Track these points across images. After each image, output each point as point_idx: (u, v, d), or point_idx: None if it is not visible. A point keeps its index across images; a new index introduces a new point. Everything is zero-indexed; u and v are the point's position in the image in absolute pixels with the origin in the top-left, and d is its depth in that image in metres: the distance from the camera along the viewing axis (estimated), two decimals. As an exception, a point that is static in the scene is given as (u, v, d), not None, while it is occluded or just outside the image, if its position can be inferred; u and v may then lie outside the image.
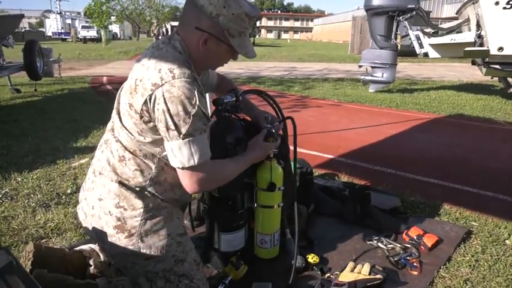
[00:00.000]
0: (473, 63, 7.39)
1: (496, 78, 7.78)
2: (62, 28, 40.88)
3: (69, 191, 2.52)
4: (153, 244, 1.27)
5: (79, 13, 48.72)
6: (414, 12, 6.44)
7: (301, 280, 1.66)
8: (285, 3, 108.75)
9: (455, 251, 1.94)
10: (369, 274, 1.63)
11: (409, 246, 1.92)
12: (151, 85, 1.14)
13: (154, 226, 1.28)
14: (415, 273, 1.74)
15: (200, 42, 1.21)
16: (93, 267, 1.39)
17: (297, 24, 78.18)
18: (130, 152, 1.26)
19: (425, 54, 6.91)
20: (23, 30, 35.32)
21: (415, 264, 1.77)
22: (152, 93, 1.13)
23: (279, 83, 8.48)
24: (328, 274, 1.70)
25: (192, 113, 1.13)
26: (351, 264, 1.72)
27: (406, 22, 6.62)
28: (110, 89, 7.25)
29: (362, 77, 7.50)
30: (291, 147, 1.75)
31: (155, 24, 21.41)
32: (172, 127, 1.13)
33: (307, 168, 2.40)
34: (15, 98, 5.99)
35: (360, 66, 7.46)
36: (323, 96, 6.92)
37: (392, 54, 6.92)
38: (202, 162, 1.18)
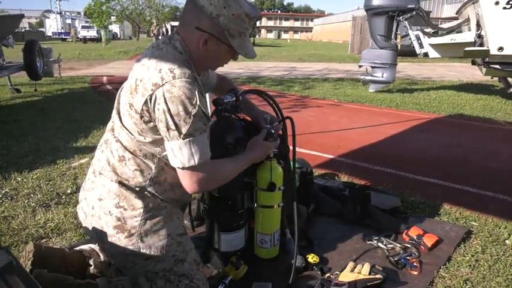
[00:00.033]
0: (473, 63, 7.39)
1: (496, 78, 7.78)
2: (62, 28, 40.89)
3: (69, 191, 2.52)
4: (153, 244, 1.27)
5: (79, 13, 48.74)
6: (414, 12, 6.44)
7: (301, 280, 1.66)
8: (285, 3, 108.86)
9: (455, 251, 1.94)
10: (369, 274, 1.63)
11: (409, 246, 1.92)
12: (151, 85, 1.14)
13: (154, 226, 1.28)
14: (415, 273, 1.74)
15: (200, 42, 1.21)
16: (93, 267, 1.39)
17: (297, 24, 78.17)
18: (130, 152, 1.26)
19: (425, 54, 6.91)
20: (23, 30, 35.32)
21: (415, 264, 1.77)
22: (153, 93, 1.13)
23: (279, 83, 8.48)
24: (328, 274, 1.70)
25: (192, 113, 1.13)
26: (351, 264, 1.72)
27: (406, 22, 6.62)
28: (110, 89, 7.25)
29: (362, 77, 7.50)
30: (291, 147, 1.75)
31: (155, 24, 21.39)
32: (173, 127, 1.13)
33: (307, 168, 2.40)
34: (15, 98, 5.99)
35: (360, 66, 7.46)
36: (323, 96, 6.92)
37: (392, 54, 6.92)
38: (203, 162, 1.18)
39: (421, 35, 6.77)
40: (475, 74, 9.70)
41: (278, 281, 1.64)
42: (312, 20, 72.31)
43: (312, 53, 20.55)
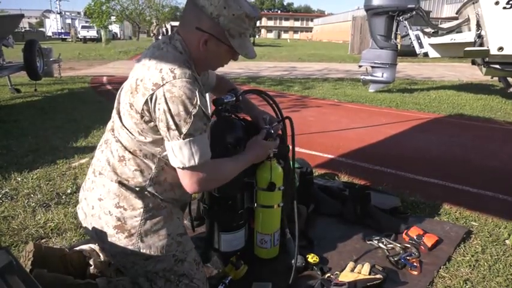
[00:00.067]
0: (473, 63, 7.39)
1: (495, 78, 7.77)
2: (62, 28, 40.88)
3: (69, 191, 2.52)
4: (153, 244, 1.27)
5: (79, 13, 48.73)
6: (414, 12, 6.44)
7: (301, 280, 1.66)
8: (285, 3, 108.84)
9: (455, 251, 1.94)
10: (369, 274, 1.63)
11: (409, 246, 1.92)
12: (152, 85, 1.14)
13: (154, 226, 1.28)
14: (415, 273, 1.74)
15: (200, 42, 1.21)
16: (93, 267, 1.40)
17: (297, 24, 78.19)
18: (130, 152, 1.26)
19: (425, 54, 6.91)
20: (23, 30, 35.28)
21: (415, 264, 1.77)
22: (153, 93, 1.14)
23: (278, 83, 8.48)
24: (328, 274, 1.70)
25: (193, 113, 1.13)
26: (350, 264, 1.72)
27: (406, 22, 6.62)
28: (110, 88, 7.25)
29: (362, 77, 7.50)
30: (291, 147, 1.75)
31: (155, 24, 21.41)
32: (173, 127, 1.13)
33: (307, 168, 2.40)
34: (15, 98, 5.99)
35: (360, 66, 7.46)
36: (323, 96, 6.92)
37: (392, 54, 6.92)
38: (203, 162, 1.18)
39: (421, 35, 6.77)
40: (475, 74, 9.70)
41: (278, 281, 1.64)
42: (312, 20, 72.32)
43: (312, 53, 20.55)
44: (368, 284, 1.56)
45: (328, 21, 52.70)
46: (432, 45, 6.78)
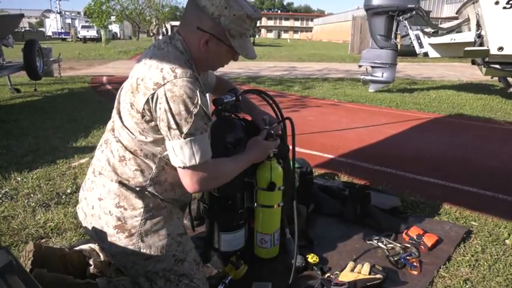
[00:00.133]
0: (473, 62, 7.39)
1: (495, 78, 7.77)
2: (62, 28, 40.90)
3: (69, 191, 2.52)
4: (153, 244, 1.27)
5: (79, 13, 48.77)
6: (414, 12, 6.43)
7: (301, 280, 1.66)
8: (284, 3, 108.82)
9: (455, 251, 1.94)
10: (369, 274, 1.63)
11: (409, 246, 1.92)
12: (153, 84, 1.14)
13: (154, 226, 1.28)
14: (415, 273, 1.74)
15: (201, 42, 1.21)
16: (93, 266, 1.39)
17: (297, 24, 78.17)
18: (130, 152, 1.26)
19: (425, 54, 6.91)
20: (23, 30, 35.31)
21: (415, 264, 1.77)
22: (154, 92, 1.14)
23: (278, 83, 8.48)
24: (328, 274, 1.70)
25: (193, 113, 1.13)
26: (350, 264, 1.72)
27: (406, 22, 6.62)
28: (110, 88, 7.25)
29: (362, 77, 7.50)
30: (291, 147, 1.75)
31: (154, 23, 21.43)
32: (174, 126, 1.13)
33: (307, 167, 2.40)
34: (15, 97, 5.99)
35: (360, 66, 7.45)
36: (323, 96, 6.92)
37: (392, 54, 6.92)
38: (204, 162, 1.18)
39: (421, 34, 6.77)
40: (475, 73, 9.70)
41: (278, 281, 1.64)
42: (311, 20, 72.32)
43: (312, 53, 20.55)
44: (368, 283, 1.56)
45: (328, 21, 52.69)
46: (432, 45, 6.78)
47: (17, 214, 2.20)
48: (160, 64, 1.17)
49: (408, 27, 6.72)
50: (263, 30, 73.84)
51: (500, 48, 5.49)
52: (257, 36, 53.74)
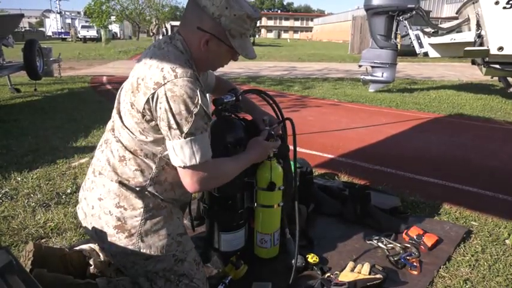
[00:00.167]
0: (473, 62, 7.39)
1: (495, 78, 7.78)
2: (62, 28, 40.89)
3: (69, 191, 2.52)
4: (153, 244, 1.27)
5: (79, 13, 48.76)
6: (414, 12, 6.44)
7: (301, 280, 1.66)
8: (284, 3, 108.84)
9: (455, 251, 1.94)
10: (369, 274, 1.63)
11: (409, 245, 1.92)
12: (153, 84, 1.14)
13: (154, 226, 1.28)
14: (415, 272, 1.74)
15: (202, 42, 1.21)
16: (93, 266, 1.39)
17: (297, 23, 78.18)
18: (131, 152, 1.26)
19: (425, 54, 6.91)
20: (23, 29, 35.28)
21: (415, 263, 1.77)
22: (154, 92, 1.14)
23: (278, 83, 8.48)
24: (328, 274, 1.70)
25: (194, 112, 1.13)
26: (350, 264, 1.72)
27: (406, 22, 6.62)
28: (110, 88, 7.25)
29: (362, 77, 7.50)
30: (291, 147, 1.75)
31: (154, 23, 21.47)
32: (174, 126, 1.13)
33: (307, 167, 2.40)
34: (15, 97, 5.99)
35: (360, 66, 7.45)
36: (323, 95, 6.92)
37: (392, 53, 6.92)
38: (204, 161, 1.18)
39: (421, 34, 6.77)
40: (475, 73, 9.70)
41: (278, 281, 1.64)
42: (311, 20, 72.32)
43: (312, 53, 20.55)
44: (368, 283, 1.56)
45: (328, 21, 52.69)
46: (432, 45, 6.78)
47: (17, 214, 2.20)
48: (161, 64, 1.17)
49: (408, 27, 6.72)
50: (263, 30, 73.85)
51: (500, 48, 5.49)
52: (257, 36, 53.73)
